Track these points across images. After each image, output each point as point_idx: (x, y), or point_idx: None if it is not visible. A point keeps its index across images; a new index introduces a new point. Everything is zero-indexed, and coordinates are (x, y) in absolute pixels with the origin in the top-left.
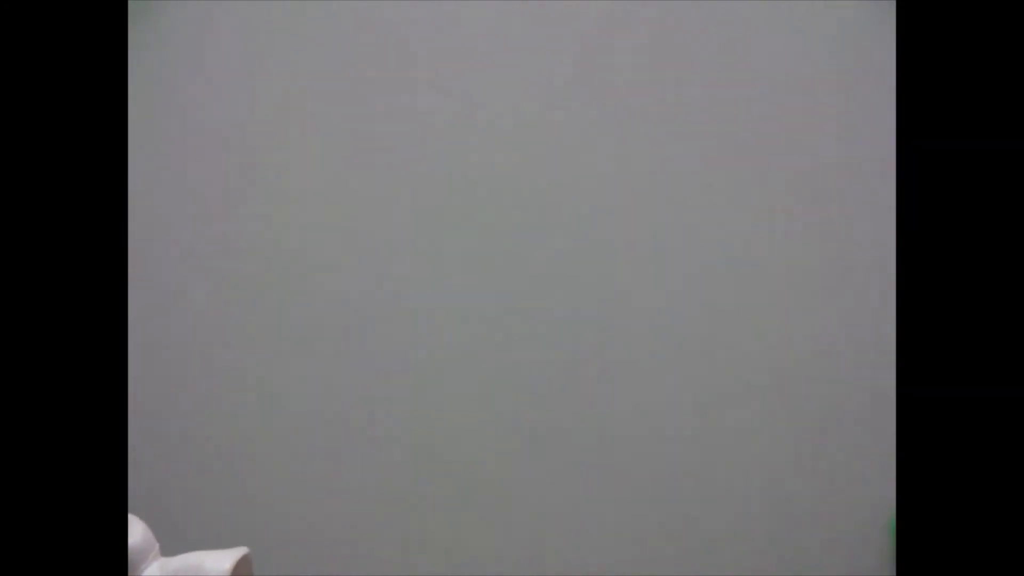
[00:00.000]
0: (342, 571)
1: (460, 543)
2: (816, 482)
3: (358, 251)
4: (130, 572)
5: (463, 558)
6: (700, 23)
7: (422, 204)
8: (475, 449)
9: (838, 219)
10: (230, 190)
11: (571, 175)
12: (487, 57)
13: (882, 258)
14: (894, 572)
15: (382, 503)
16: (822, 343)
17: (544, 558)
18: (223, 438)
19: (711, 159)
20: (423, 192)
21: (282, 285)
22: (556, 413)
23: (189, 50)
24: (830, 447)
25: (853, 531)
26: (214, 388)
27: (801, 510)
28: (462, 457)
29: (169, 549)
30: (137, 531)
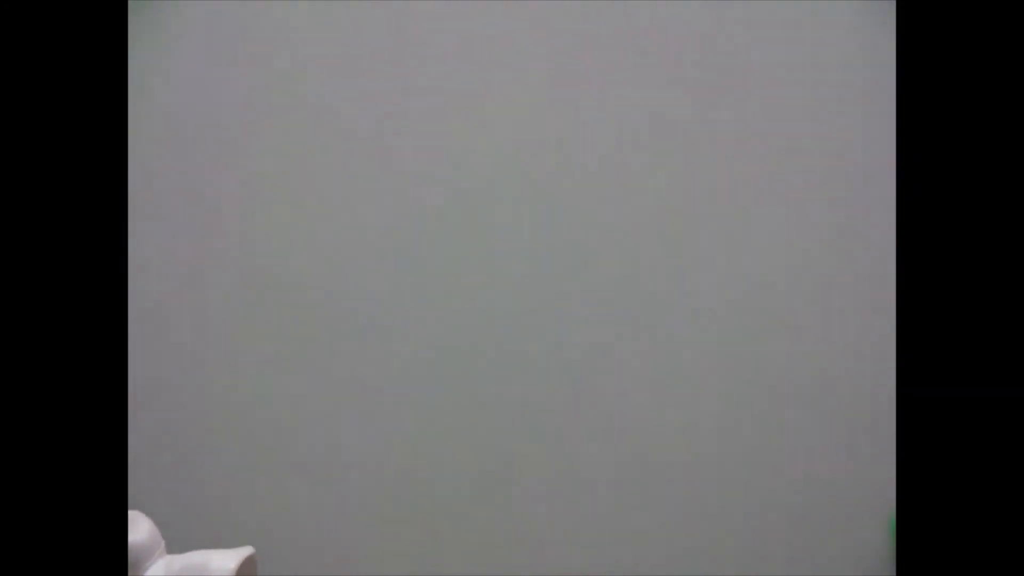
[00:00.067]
0: (346, 571)
1: (461, 543)
2: (816, 482)
3: (359, 248)
4: (135, 570)
5: (464, 558)
6: (700, 23)
7: (422, 205)
8: (476, 448)
9: (837, 219)
10: (230, 189)
11: (571, 178)
12: (488, 57)
13: (882, 258)
14: (894, 572)
15: (385, 504)
16: (822, 343)
17: (544, 557)
18: (230, 437)
19: (711, 159)
20: (422, 194)
21: (283, 285)
22: (556, 412)
23: (189, 50)
24: (830, 447)
25: (853, 531)
26: (223, 387)
27: (801, 510)
28: (462, 457)
29: (175, 547)
30: (143, 529)
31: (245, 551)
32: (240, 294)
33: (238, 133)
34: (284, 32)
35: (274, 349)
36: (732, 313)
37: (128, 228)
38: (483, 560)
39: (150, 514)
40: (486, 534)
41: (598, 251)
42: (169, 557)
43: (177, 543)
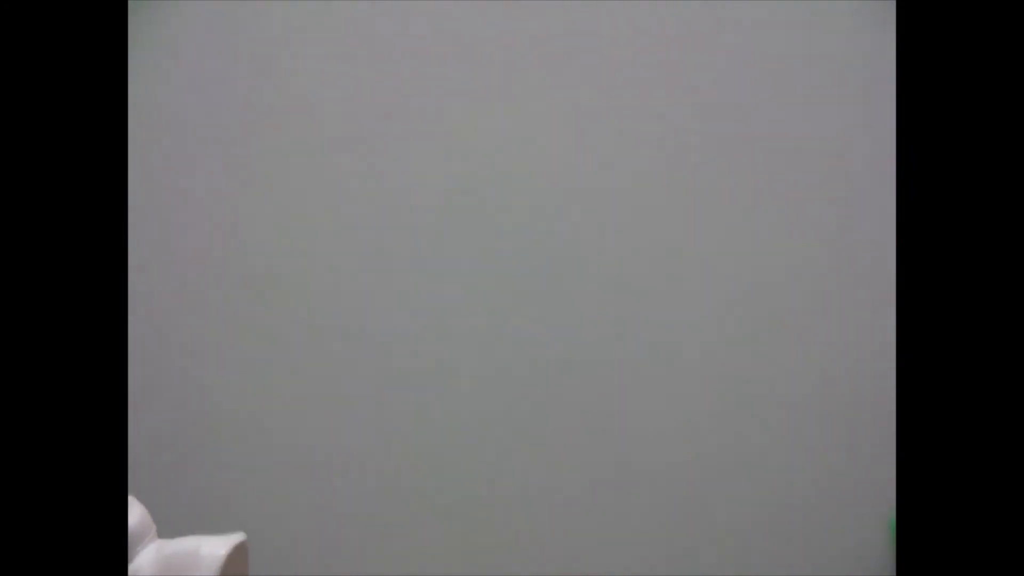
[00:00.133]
0: (336, 561)
1: (460, 541)
2: (816, 482)
3: (359, 248)
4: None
5: (459, 557)
6: (700, 23)
7: (421, 206)
8: (475, 447)
9: (838, 219)
10: (230, 189)
11: (571, 178)
12: (489, 58)
13: (882, 258)
14: (894, 572)
15: (377, 498)
16: (822, 343)
17: (543, 557)
18: (226, 425)
19: (711, 159)
20: (421, 194)
21: (281, 280)
22: (555, 412)
23: (189, 50)
24: (830, 447)
25: (853, 531)
26: (220, 377)
27: (801, 510)
28: (462, 456)
29: (168, 532)
30: (135, 513)
31: (236, 537)
32: (238, 291)
33: (238, 133)
34: (284, 32)
35: (270, 344)
36: (732, 313)
37: (128, 228)
38: (479, 559)
39: (143, 499)
40: (480, 534)
41: (596, 251)
42: (160, 542)
43: (169, 528)
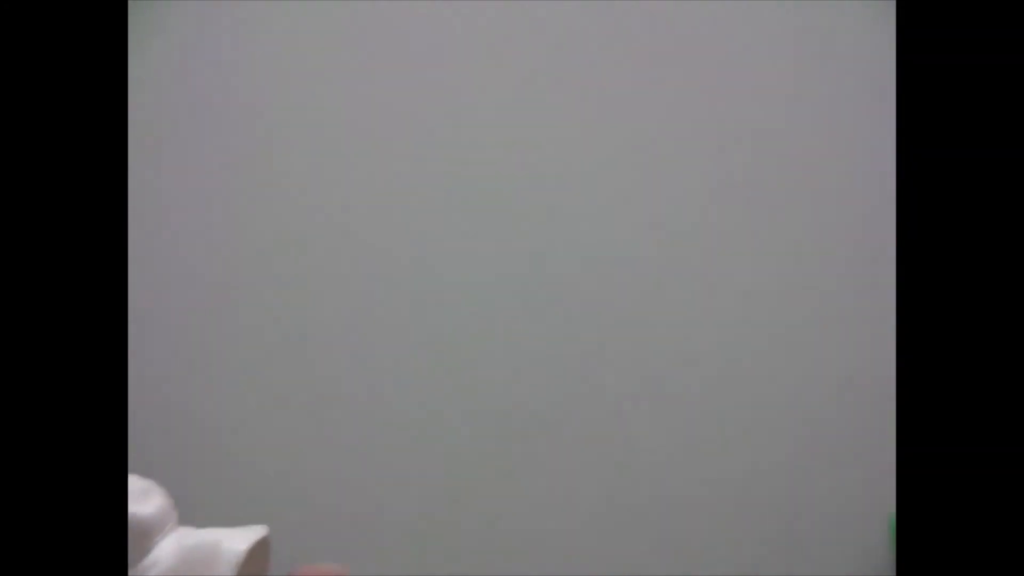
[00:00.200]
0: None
1: (461, 534)
2: (816, 482)
3: (358, 249)
4: (145, 542)
5: (464, 553)
6: (700, 24)
7: (424, 200)
8: (477, 446)
9: (837, 220)
10: (231, 189)
11: (571, 178)
12: (489, 58)
13: (882, 259)
14: (894, 572)
15: (390, 491)
16: (822, 342)
17: (543, 556)
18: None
19: (711, 160)
20: (425, 187)
21: (287, 276)
22: (555, 411)
23: (189, 50)
24: (830, 447)
25: (853, 531)
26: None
27: (801, 510)
28: (462, 454)
29: (190, 519)
30: (155, 501)
31: (258, 532)
32: (246, 288)
33: (238, 132)
34: (284, 32)
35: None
36: (733, 315)
37: (128, 227)
38: (482, 560)
39: (168, 486)
40: (483, 534)
41: (597, 251)
42: (182, 531)
43: (193, 517)
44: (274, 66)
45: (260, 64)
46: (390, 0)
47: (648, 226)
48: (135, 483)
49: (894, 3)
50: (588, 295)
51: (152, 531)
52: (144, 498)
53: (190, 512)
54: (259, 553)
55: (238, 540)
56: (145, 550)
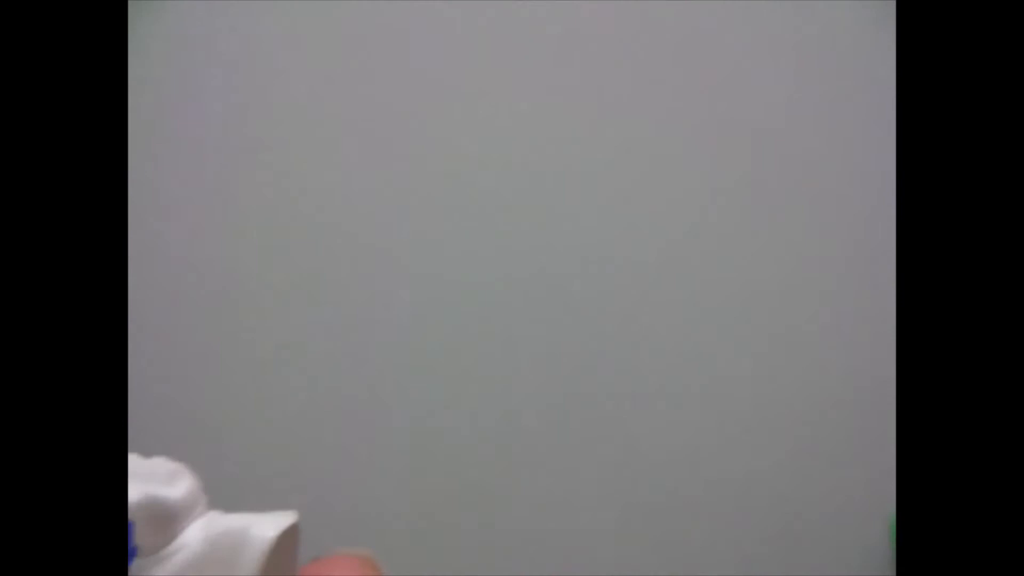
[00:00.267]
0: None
1: (460, 536)
2: (816, 482)
3: (357, 249)
4: (173, 526)
5: (463, 553)
6: (699, 24)
7: (425, 201)
8: (477, 446)
9: (837, 220)
10: (231, 189)
11: (571, 177)
12: (490, 58)
13: (882, 259)
14: (894, 572)
15: (388, 490)
16: (822, 342)
17: (542, 556)
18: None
19: (711, 160)
20: (426, 189)
21: (285, 279)
22: (554, 410)
23: (189, 50)
24: (830, 447)
25: (853, 531)
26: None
27: (801, 510)
28: (463, 454)
29: (222, 504)
30: (183, 485)
31: (287, 519)
32: (259, 287)
33: (239, 132)
34: (285, 32)
35: (277, 345)
36: (733, 315)
37: (128, 226)
38: (484, 560)
39: (198, 470)
40: (484, 534)
41: (595, 250)
42: (211, 515)
43: (223, 501)
44: (275, 66)
45: (261, 64)
46: (393, 0)
47: (647, 226)
48: (164, 466)
49: (894, 3)
50: (587, 295)
51: (180, 515)
52: (173, 481)
53: (218, 496)
54: (288, 540)
55: (267, 527)
56: (173, 534)
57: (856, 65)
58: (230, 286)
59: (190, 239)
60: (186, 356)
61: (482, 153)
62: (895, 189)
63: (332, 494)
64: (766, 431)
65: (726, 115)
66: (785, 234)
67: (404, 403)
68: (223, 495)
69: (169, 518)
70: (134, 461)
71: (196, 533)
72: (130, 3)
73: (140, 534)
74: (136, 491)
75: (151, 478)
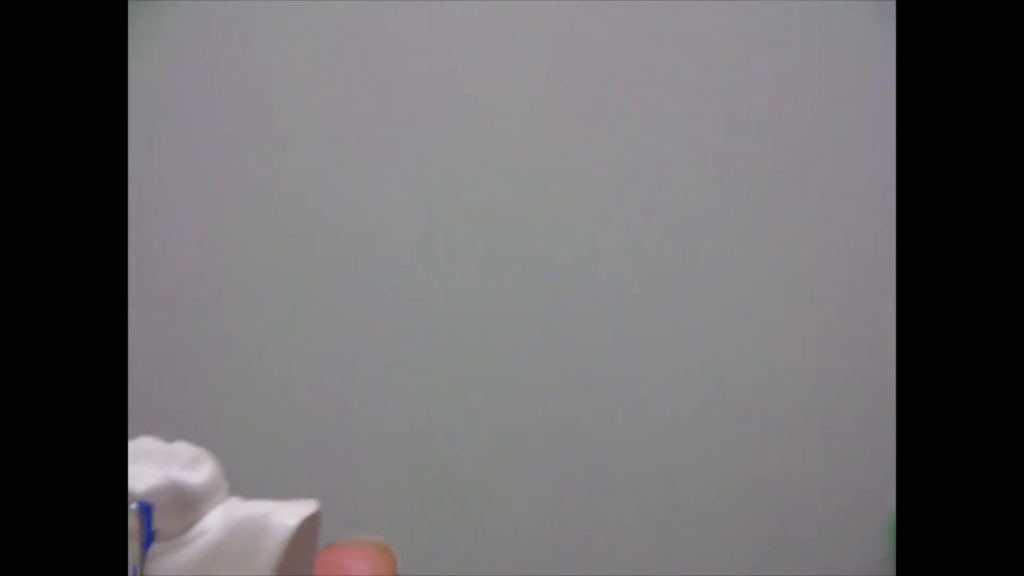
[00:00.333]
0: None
1: (452, 544)
2: (816, 482)
3: (362, 245)
4: (194, 512)
5: (474, 555)
6: (699, 24)
7: (426, 202)
8: (476, 447)
9: (838, 219)
10: (232, 189)
11: (570, 177)
12: (491, 58)
13: (882, 257)
14: (894, 572)
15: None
16: (822, 341)
17: (542, 555)
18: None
19: (712, 161)
20: (426, 190)
21: (285, 283)
22: (554, 409)
23: (189, 50)
24: (830, 447)
25: (853, 531)
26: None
27: (801, 510)
28: (463, 456)
29: (244, 490)
30: (204, 470)
31: (308, 507)
32: (246, 293)
33: (239, 132)
34: (286, 32)
35: (278, 349)
36: (732, 311)
37: (128, 226)
38: (505, 549)
39: (221, 455)
40: (482, 535)
41: (594, 253)
42: (233, 502)
43: (246, 487)
44: (274, 67)
45: (261, 64)
46: (393, 0)
47: (646, 228)
48: (186, 450)
49: (894, 3)
50: (587, 294)
51: (201, 501)
52: (195, 466)
53: (238, 482)
54: (308, 529)
55: (288, 515)
56: (194, 519)
57: (856, 65)
58: (230, 281)
59: (190, 239)
60: (200, 344)
61: (489, 157)
62: (895, 189)
63: (348, 481)
64: (765, 431)
65: (723, 116)
66: (782, 235)
67: (411, 396)
68: (241, 482)
69: (190, 503)
70: (156, 445)
71: (216, 519)
72: (130, 3)
73: (160, 518)
74: (157, 475)
75: (173, 462)
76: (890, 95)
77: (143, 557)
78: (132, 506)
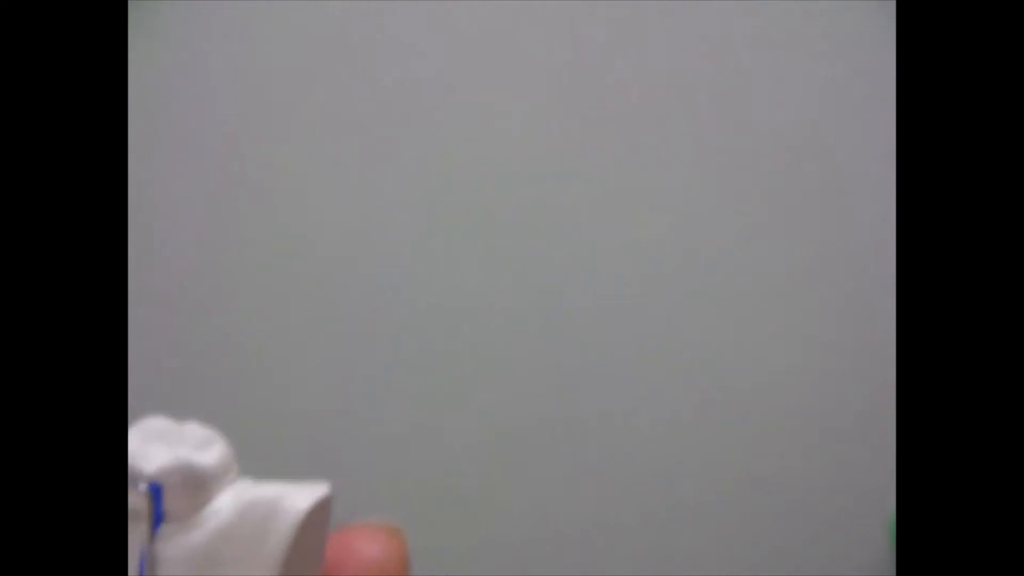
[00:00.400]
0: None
1: (453, 541)
2: (816, 482)
3: (361, 246)
4: (204, 494)
5: (473, 557)
6: (698, 23)
7: (425, 202)
8: (476, 447)
9: (838, 219)
10: (232, 190)
11: (570, 177)
12: (491, 58)
13: (882, 257)
14: (894, 572)
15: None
16: (822, 341)
17: (541, 555)
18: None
19: (712, 162)
20: (426, 190)
21: (284, 283)
22: (553, 409)
23: (189, 50)
24: (830, 447)
25: (853, 531)
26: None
27: (801, 510)
28: (463, 455)
29: (255, 472)
30: (215, 451)
31: (320, 490)
32: (245, 294)
33: (239, 132)
34: (286, 32)
35: (279, 347)
36: (731, 313)
37: (128, 226)
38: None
39: (232, 436)
40: (482, 534)
41: (594, 252)
42: (244, 484)
43: (253, 468)
44: (274, 67)
45: (260, 64)
46: (393, 1)
47: (646, 227)
48: (197, 431)
49: (894, 3)
50: (587, 294)
51: (212, 482)
52: (206, 447)
53: (249, 463)
54: (320, 513)
55: (299, 498)
56: (204, 501)
57: (856, 65)
58: (230, 281)
59: (190, 239)
60: (200, 344)
61: (488, 157)
62: (895, 189)
63: (348, 481)
64: (765, 431)
65: (722, 117)
66: (781, 236)
67: (410, 396)
68: (250, 464)
69: (200, 484)
70: (167, 425)
71: (227, 501)
72: (130, 3)
73: (170, 499)
74: (168, 455)
75: (183, 443)
76: (890, 95)
77: (152, 538)
78: (142, 487)
